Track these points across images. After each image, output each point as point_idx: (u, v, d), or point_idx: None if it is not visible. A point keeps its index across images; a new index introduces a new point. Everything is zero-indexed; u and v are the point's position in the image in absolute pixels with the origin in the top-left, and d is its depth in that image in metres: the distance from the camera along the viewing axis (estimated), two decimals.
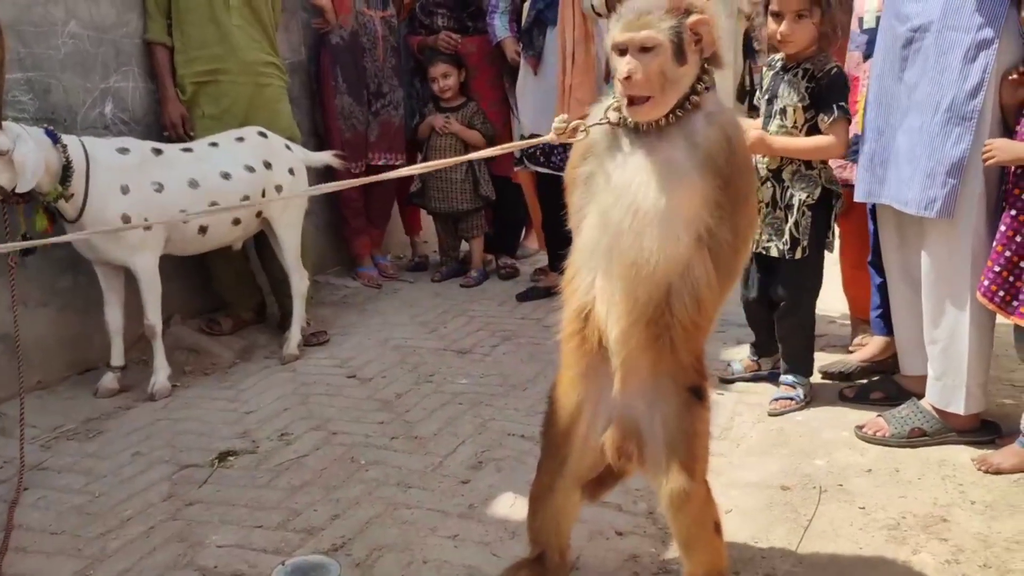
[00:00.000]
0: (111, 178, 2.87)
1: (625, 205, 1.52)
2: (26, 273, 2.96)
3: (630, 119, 1.54)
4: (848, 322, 3.35)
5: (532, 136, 3.73)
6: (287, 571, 1.71)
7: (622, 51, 1.52)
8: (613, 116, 1.57)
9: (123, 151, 2.96)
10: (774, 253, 2.70)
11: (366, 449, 2.56)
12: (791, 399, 2.77)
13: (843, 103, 2.59)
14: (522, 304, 4.10)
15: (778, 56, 2.75)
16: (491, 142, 4.42)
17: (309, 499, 2.27)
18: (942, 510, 2.09)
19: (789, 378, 2.82)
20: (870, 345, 3.02)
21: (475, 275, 4.54)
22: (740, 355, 3.12)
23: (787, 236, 2.67)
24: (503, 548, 2.00)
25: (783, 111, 2.66)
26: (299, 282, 3.49)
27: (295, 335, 3.46)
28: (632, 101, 1.51)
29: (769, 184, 2.70)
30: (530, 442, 2.44)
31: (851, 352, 3.15)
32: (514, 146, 1.92)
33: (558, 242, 1.61)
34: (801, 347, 2.83)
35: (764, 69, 2.86)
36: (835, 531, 2.02)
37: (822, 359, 3.02)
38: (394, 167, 4.39)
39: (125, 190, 2.89)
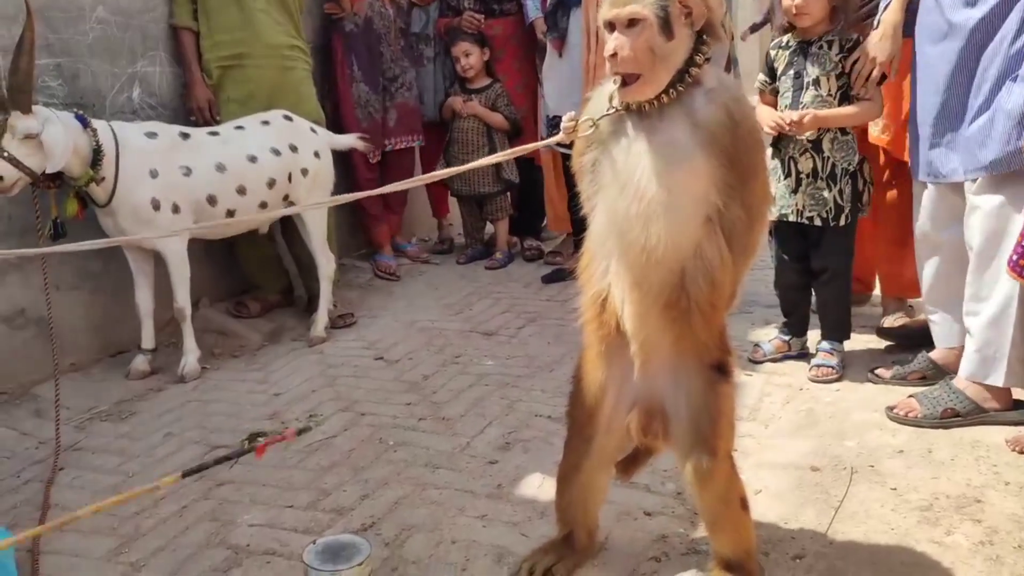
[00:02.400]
0: (140, 162, 2.89)
1: (631, 191, 1.50)
2: (58, 257, 3.00)
3: (621, 100, 1.52)
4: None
5: (556, 117, 3.72)
6: (318, 550, 1.72)
7: (611, 28, 1.49)
8: (617, 102, 1.54)
9: (151, 135, 2.98)
10: (818, 223, 2.76)
11: (394, 430, 2.58)
12: (831, 367, 2.82)
13: None
14: (547, 286, 4.09)
15: (786, 37, 2.82)
16: (514, 125, 4.41)
17: (338, 480, 2.29)
18: (976, 491, 2.07)
19: (826, 345, 2.88)
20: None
21: (500, 257, 4.54)
22: (769, 336, 3.10)
23: (831, 204, 2.74)
24: (531, 528, 2.01)
25: (816, 82, 2.72)
26: (326, 265, 3.50)
27: (322, 317, 3.48)
28: (623, 81, 1.49)
29: (809, 155, 2.75)
30: (557, 423, 2.44)
31: (883, 331, 3.12)
32: (531, 147, 1.90)
33: (581, 224, 1.62)
34: (842, 313, 2.90)
35: (773, 52, 2.86)
36: (866, 512, 2.01)
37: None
38: (412, 149, 4.41)
39: (154, 174, 2.91)
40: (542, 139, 4.08)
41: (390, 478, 2.28)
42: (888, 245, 3.12)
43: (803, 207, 2.77)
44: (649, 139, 1.50)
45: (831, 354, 2.86)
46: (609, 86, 1.55)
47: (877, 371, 2.77)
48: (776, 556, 1.85)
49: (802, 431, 2.45)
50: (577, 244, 1.69)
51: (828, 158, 2.74)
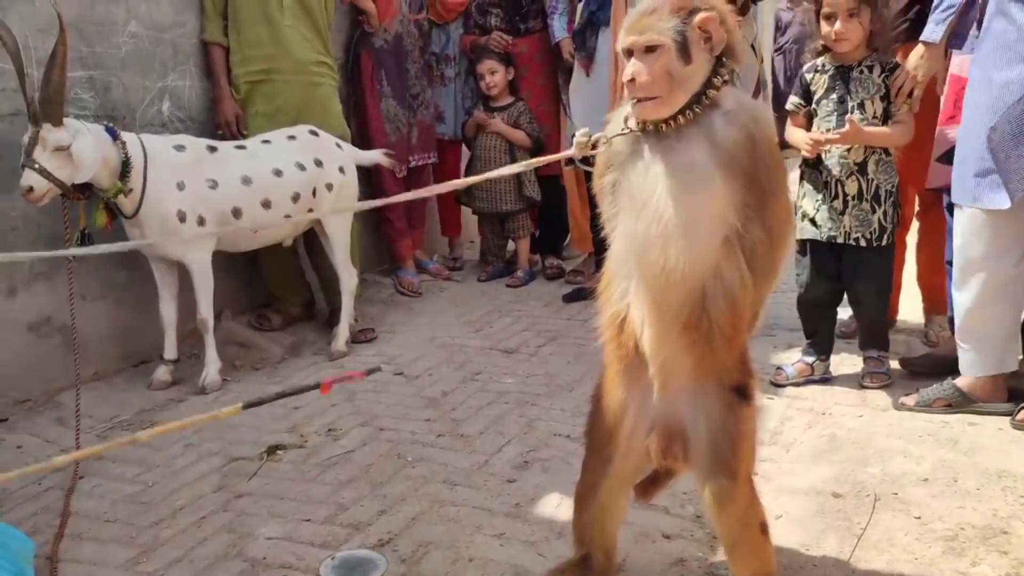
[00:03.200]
0: (168, 174, 2.93)
1: (649, 213, 1.50)
2: (84, 267, 3.03)
3: (637, 118, 1.52)
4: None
5: None
6: (335, 565, 1.72)
7: (629, 54, 1.50)
8: (634, 123, 1.54)
9: (179, 148, 3.01)
10: (863, 243, 2.82)
11: (412, 446, 2.57)
12: (884, 373, 2.91)
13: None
14: (568, 305, 4.09)
15: (820, 60, 2.86)
16: (537, 142, 4.42)
17: (356, 494, 2.29)
18: (1002, 522, 2.03)
19: (873, 352, 2.96)
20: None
21: (521, 275, 4.54)
22: (791, 359, 3.07)
23: (875, 226, 2.81)
24: (549, 548, 1.99)
25: (861, 105, 2.78)
26: (348, 279, 3.52)
27: (343, 332, 3.49)
28: (639, 100, 1.49)
29: (855, 177, 2.80)
30: (576, 443, 2.42)
31: (932, 343, 3.21)
32: (548, 159, 1.90)
33: (603, 244, 1.62)
34: (883, 324, 3.01)
35: (809, 75, 2.90)
36: (889, 541, 1.97)
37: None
38: (427, 166, 4.45)
39: (181, 186, 2.95)
40: (566, 160, 4.10)
41: (408, 494, 2.27)
42: (928, 261, 3.16)
43: (850, 228, 2.82)
44: (667, 160, 1.50)
45: (880, 361, 2.94)
46: (627, 108, 1.56)
47: (902, 400, 2.73)
48: None
49: (824, 456, 2.42)
50: (599, 264, 1.69)
51: (872, 180, 2.80)
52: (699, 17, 1.47)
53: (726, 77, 1.51)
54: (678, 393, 1.62)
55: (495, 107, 4.46)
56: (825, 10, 2.74)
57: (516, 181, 4.44)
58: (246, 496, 2.30)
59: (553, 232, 4.82)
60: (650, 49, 1.47)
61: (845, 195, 2.81)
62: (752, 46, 3.36)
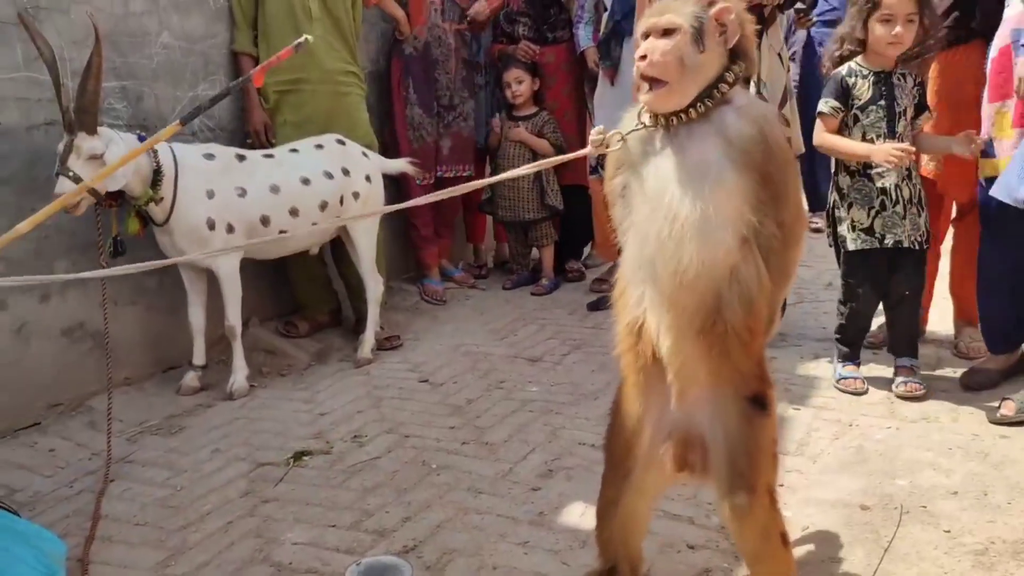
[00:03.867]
0: (198, 183, 2.97)
1: (661, 213, 1.49)
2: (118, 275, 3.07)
3: (648, 108, 1.52)
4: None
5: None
6: (361, 571, 1.73)
7: (646, 36, 1.51)
8: (647, 118, 1.55)
9: (209, 157, 3.06)
10: (917, 247, 2.88)
11: (437, 453, 2.59)
12: (918, 383, 2.90)
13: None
14: (593, 313, 4.08)
15: (855, 65, 2.87)
16: (560, 152, 4.42)
17: (381, 501, 2.30)
18: None
19: (906, 361, 2.97)
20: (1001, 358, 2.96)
21: (546, 283, 4.54)
22: (821, 369, 3.09)
23: (923, 229, 2.88)
24: (573, 557, 1.99)
25: (904, 112, 2.85)
26: (374, 287, 3.55)
27: (369, 339, 3.52)
28: (649, 86, 1.49)
29: (906, 183, 2.86)
30: (600, 452, 2.39)
31: (963, 354, 3.19)
32: (563, 158, 1.90)
33: None
34: (915, 331, 3.06)
35: (851, 80, 2.87)
36: (918, 554, 1.95)
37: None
38: (462, 179, 4.44)
39: (211, 194, 2.99)
40: (591, 167, 4.10)
41: (433, 501, 2.29)
42: (963, 268, 3.13)
43: (910, 232, 2.86)
44: (679, 158, 1.50)
45: (913, 371, 2.94)
46: (639, 107, 1.56)
47: (1000, 412, 2.64)
48: None
49: (851, 468, 2.40)
50: None
51: (916, 185, 2.88)
52: (716, 8, 1.48)
53: (738, 75, 1.52)
54: (696, 402, 1.60)
55: (519, 116, 4.48)
56: (883, 13, 2.75)
57: (539, 190, 4.45)
58: (273, 501, 2.33)
59: (575, 237, 4.82)
60: (667, 32, 1.48)
61: (904, 200, 2.86)
62: (779, 55, 3.35)
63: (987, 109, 2.75)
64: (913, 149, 2.77)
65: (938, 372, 3.06)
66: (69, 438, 2.79)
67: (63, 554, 1.96)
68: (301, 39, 1.70)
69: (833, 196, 3.00)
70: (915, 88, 2.86)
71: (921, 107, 2.88)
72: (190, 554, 2.08)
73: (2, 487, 2.43)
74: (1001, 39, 2.69)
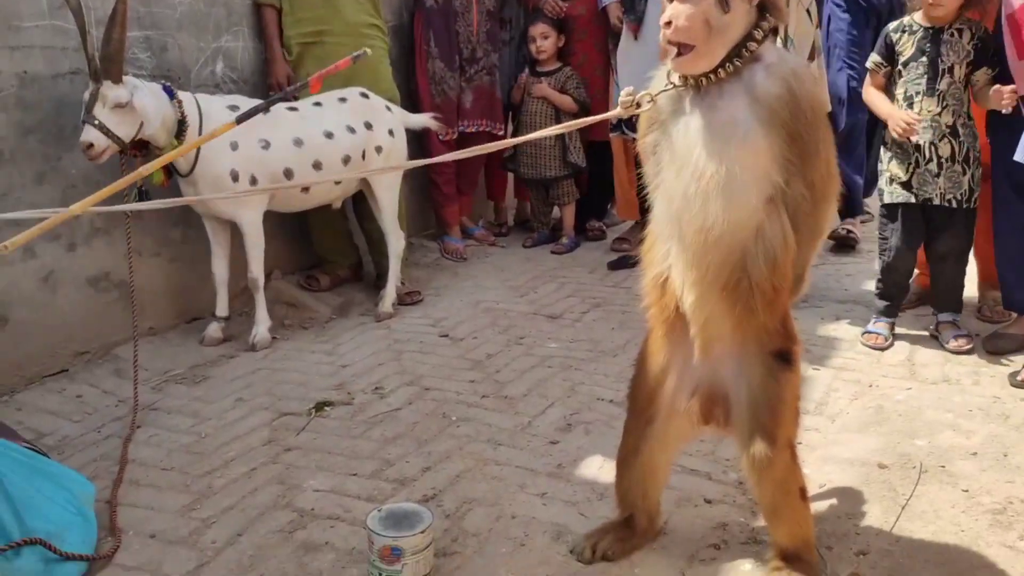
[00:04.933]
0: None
1: (689, 171, 1.49)
2: (140, 225, 3.10)
3: (676, 71, 1.51)
4: None
5: None
6: (382, 516, 1.76)
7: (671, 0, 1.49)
8: (677, 79, 1.53)
9: (233, 108, 3.05)
10: (955, 205, 2.86)
11: (457, 406, 2.61)
12: (966, 335, 2.94)
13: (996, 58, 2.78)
14: (613, 272, 4.08)
15: (907, 20, 2.90)
16: (583, 108, 4.38)
17: (402, 451, 2.33)
18: None
19: (948, 316, 3.00)
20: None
21: (566, 242, 4.53)
22: (841, 330, 3.10)
23: (966, 187, 2.85)
24: (591, 508, 2.02)
25: (951, 69, 2.81)
26: (396, 242, 3.55)
27: (390, 294, 3.54)
28: (677, 51, 1.47)
29: (947, 140, 2.84)
30: (619, 407, 2.43)
31: (987, 317, 3.19)
32: (590, 120, 1.88)
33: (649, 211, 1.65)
34: (960, 289, 3.05)
35: (896, 35, 2.90)
36: (935, 512, 1.96)
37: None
38: (492, 135, 4.41)
39: (235, 146, 2.99)
40: (611, 125, 4.07)
41: (452, 452, 2.31)
42: (987, 233, 3.08)
43: (944, 190, 2.85)
44: (707, 117, 1.49)
45: (957, 325, 2.98)
46: (669, 65, 1.54)
47: (1022, 376, 2.63)
48: (839, 551, 1.83)
49: (871, 428, 2.40)
50: (644, 229, 1.68)
51: (963, 142, 2.84)
52: None
53: (767, 31, 1.49)
54: (720, 357, 1.62)
55: (542, 72, 4.43)
56: None
57: (560, 147, 4.42)
58: (295, 450, 2.36)
59: (598, 195, 4.80)
60: None
61: (939, 158, 2.84)
62: (808, 11, 3.29)
63: (1016, 66, 2.69)
64: (918, 119, 2.80)
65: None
66: (96, 385, 2.84)
67: (92, 495, 2.02)
68: (360, 52, 1.68)
69: (882, 149, 3.01)
70: (973, 43, 2.80)
71: (979, 62, 2.80)
72: (215, 498, 2.12)
73: (32, 431, 2.48)
74: None
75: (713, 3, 1.45)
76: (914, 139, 2.83)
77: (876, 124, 3.30)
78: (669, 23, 1.47)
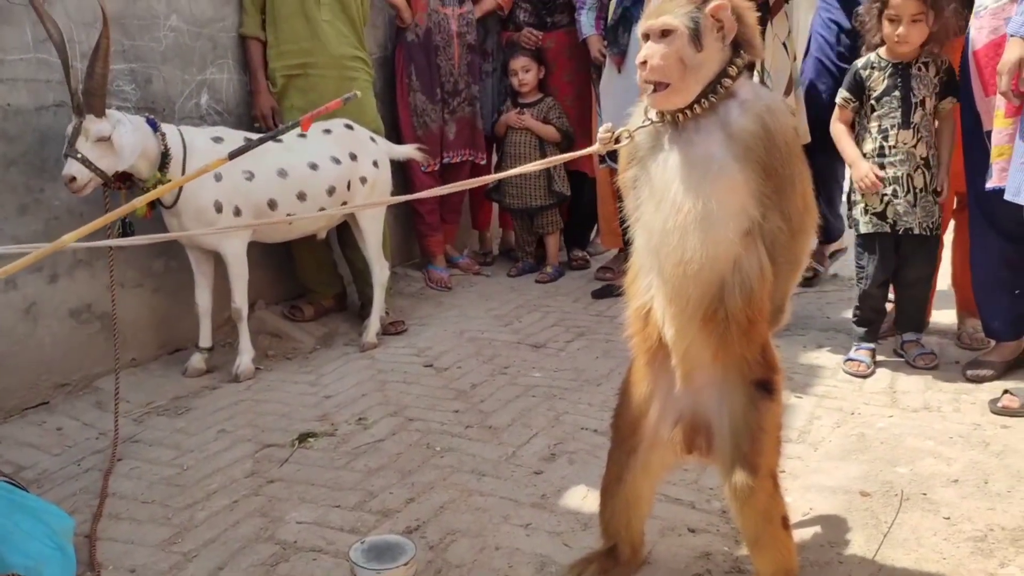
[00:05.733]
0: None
1: (667, 205, 1.52)
2: (123, 256, 3.10)
3: (652, 107, 1.54)
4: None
5: None
6: (364, 548, 1.75)
7: (646, 38, 1.53)
8: (654, 115, 1.56)
9: (217, 140, 3.07)
10: (930, 233, 2.96)
11: (441, 436, 2.60)
12: (933, 354, 3.06)
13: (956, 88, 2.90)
14: (597, 301, 4.10)
15: (874, 56, 2.96)
16: (566, 137, 4.44)
17: (385, 482, 2.32)
18: None
19: (911, 336, 3.12)
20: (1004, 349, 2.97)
21: (550, 271, 4.55)
22: (822, 358, 3.10)
23: (937, 216, 2.96)
24: (575, 539, 2.01)
25: (923, 102, 2.90)
26: (380, 272, 3.56)
27: (374, 324, 3.54)
28: (653, 88, 1.51)
29: (920, 171, 2.92)
30: (603, 437, 2.43)
31: (966, 345, 3.23)
32: (572, 156, 1.91)
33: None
34: (923, 310, 3.18)
35: (865, 72, 2.97)
36: (917, 540, 1.97)
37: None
38: (476, 164, 4.45)
39: (218, 177, 3.00)
40: (599, 158, 4.11)
41: (436, 483, 2.31)
42: (964, 262, 3.14)
43: (921, 219, 2.94)
44: (684, 153, 1.52)
45: (921, 344, 3.10)
46: (646, 102, 1.57)
47: (1001, 403, 2.65)
48: None
49: (852, 455, 2.41)
50: (628, 259, 1.71)
51: (932, 173, 2.94)
52: (711, 5, 1.49)
53: (741, 68, 1.53)
54: (702, 386, 1.64)
55: (524, 103, 4.48)
56: (889, 12, 2.83)
57: (546, 177, 4.46)
58: (278, 481, 2.35)
59: (580, 225, 4.83)
60: (665, 33, 1.49)
61: (915, 188, 2.92)
62: (784, 44, 3.35)
63: (982, 103, 2.75)
64: (882, 177, 2.92)
65: (940, 362, 3.06)
66: (77, 417, 2.81)
67: (71, 529, 1.99)
68: (351, 94, 1.70)
69: (850, 181, 3.07)
70: (938, 76, 2.90)
71: (945, 93, 2.90)
72: (196, 531, 2.10)
73: (11, 464, 2.45)
74: (988, 32, 2.69)
75: (687, 42, 1.48)
76: (892, 172, 2.91)
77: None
78: (645, 63, 1.50)
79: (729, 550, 1.95)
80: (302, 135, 3.33)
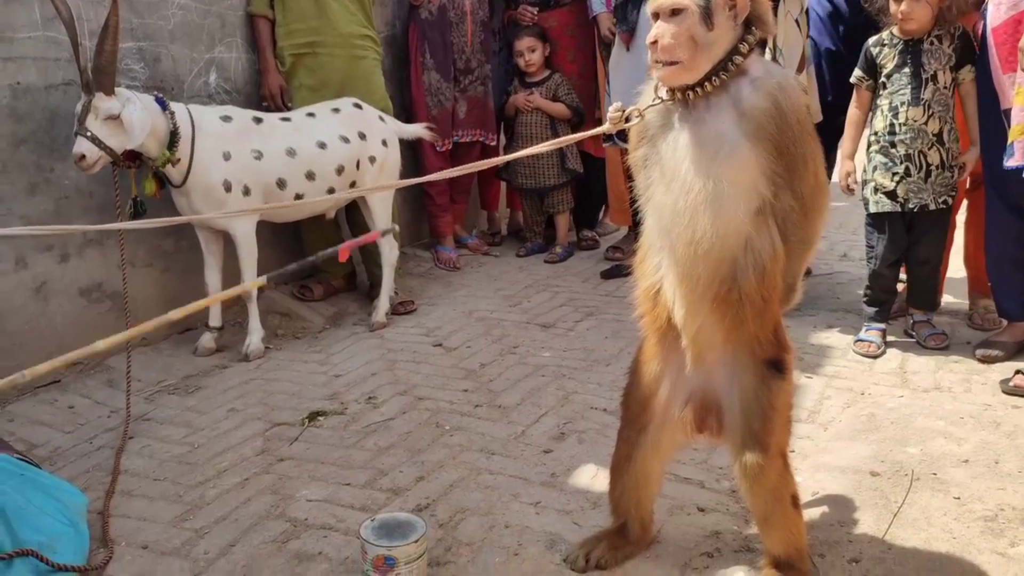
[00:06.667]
0: (215, 145, 2.98)
1: (678, 185, 1.51)
2: (133, 235, 3.10)
3: (661, 83, 1.52)
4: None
5: None
6: (375, 526, 1.75)
7: (656, 17, 1.51)
8: (664, 93, 1.54)
9: (226, 119, 3.06)
10: (946, 207, 2.95)
11: (450, 415, 2.61)
12: (943, 334, 3.05)
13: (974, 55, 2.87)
14: (606, 281, 4.09)
15: (886, 34, 2.95)
16: (576, 113, 4.41)
17: (395, 460, 2.33)
18: None
19: (921, 316, 3.11)
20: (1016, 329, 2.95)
21: (560, 251, 4.54)
22: (833, 339, 3.11)
23: (955, 189, 2.95)
24: (584, 517, 2.02)
25: (934, 77, 2.88)
26: (389, 252, 3.56)
27: (383, 304, 3.54)
28: (664, 66, 1.49)
29: (936, 148, 2.90)
30: (612, 416, 2.44)
31: (978, 325, 3.22)
32: (582, 136, 1.90)
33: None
34: (935, 287, 3.16)
35: (875, 49, 2.97)
36: (927, 519, 1.96)
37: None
38: (486, 145, 4.43)
39: (227, 157, 3.00)
40: (605, 136, 4.08)
41: (446, 461, 2.31)
42: (977, 241, 3.13)
43: (936, 195, 2.92)
44: (695, 132, 1.50)
45: (931, 323, 3.09)
46: (655, 79, 1.56)
47: (1013, 383, 2.65)
48: (832, 558, 1.83)
49: (862, 435, 2.41)
50: (637, 239, 1.70)
51: (949, 148, 2.91)
52: None
53: (753, 45, 1.51)
54: (713, 366, 1.64)
55: (532, 82, 4.45)
56: None
57: (558, 155, 4.44)
58: (288, 460, 2.36)
59: (588, 205, 4.82)
60: (675, 12, 1.48)
61: (929, 165, 2.90)
62: (797, 22, 3.31)
63: (1000, 80, 2.72)
64: (855, 183, 3.04)
65: (952, 343, 3.05)
66: (88, 396, 2.83)
67: (84, 506, 2.01)
68: (389, 227, 1.68)
69: (867, 159, 3.06)
70: (953, 47, 2.86)
71: (962, 62, 2.87)
72: (208, 509, 2.11)
73: (24, 442, 2.47)
74: (1007, 8, 2.65)
75: (698, 21, 1.47)
76: (903, 151, 2.91)
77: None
78: (655, 42, 1.48)
79: (738, 529, 1.95)
80: (310, 114, 3.32)
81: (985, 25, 2.75)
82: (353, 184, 3.36)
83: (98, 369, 3.00)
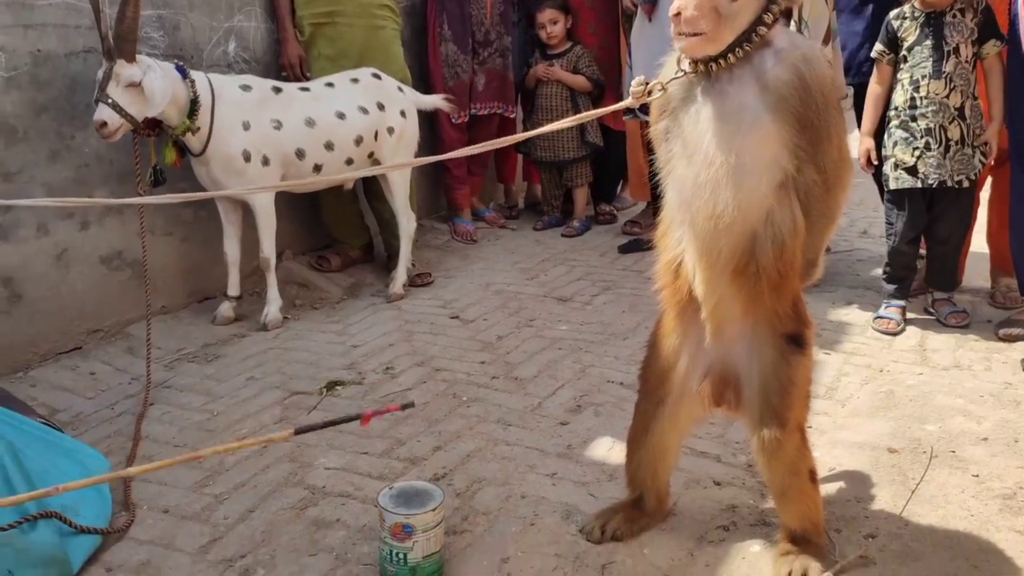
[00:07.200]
0: (234, 114, 2.98)
1: (699, 158, 1.49)
2: (153, 204, 3.11)
3: (683, 54, 1.49)
4: None
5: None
6: (393, 494, 1.77)
7: None
8: (687, 65, 1.52)
9: (246, 88, 3.06)
10: (966, 184, 2.88)
11: (468, 387, 2.62)
12: (964, 312, 3.02)
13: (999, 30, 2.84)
14: (624, 256, 4.07)
15: (907, 7, 2.90)
16: (597, 86, 4.38)
17: (412, 430, 2.34)
18: None
19: (942, 295, 3.08)
20: None
21: (577, 225, 4.53)
22: (853, 315, 3.09)
23: (977, 168, 2.88)
24: (600, 489, 2.02)
25: (956, 50, 2.83)
26: (407, 223, 3.56)
27: (401, 275, 3.54)
28: (686, 37, 1.46)
29: (956, 123, 2.85)
30: (629, 390, 2.44)
31: (1000, 304, 3.18)
32: (602, 111, 1.87)
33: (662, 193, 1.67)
34: (956, 265, 3.11)
35: (896, 22, 2.93)
36: (945, 497, 1.96)
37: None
38: (504, 117, 4.41)
39: (247, 126, 2.99)
40: (626, 110, 4.05)
41: (463, 432, 2.33)
42: (1000, 219, 3.09)
43: (954, 172, 2.86)
44: (717, 104, 1.48)
45: (952, 301, 3.06)
46: (678, 53, 1.53)
47: (1004, 332, 2.70)
48: (848, 533, 1.83)
49: (881, 412, 2.40)
50: (656, 213, 1.69)
51: (970, 124, 2.86)
52: None
53: (776, 15, 1.48)
54: (732, 339, 1.63)
55: (553, 54, 4.42)
56: None
57: (579, 128, 4.41)
58: None
59: (606, 179, 4.79)
60: None
61: (948, 140, 2.85)
62: None
63: None
64: (875, 162, 3.01)
65: (972, 321, 3.03)
66: (109, 363, 2.86)
67: (107, 470, 2.04)
68: (410, 402, 1.66)
69: (887, 134, 3.02)
70: (976, 19, 2.81)
71: (985, 37, 2.82)
72: (227, 475, 2.14)
73: (46, 407, 2.50)
74: None
75: None
76: (924, 124, 2.87)
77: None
78: (678, 14, 1.45)
79: (754, 503, 1.96)
80: (329, 84, 3.31)
81: (1017, 5, 2.69)
82: (371, 155, 3.35)
83: (119, 336, 3.03)
